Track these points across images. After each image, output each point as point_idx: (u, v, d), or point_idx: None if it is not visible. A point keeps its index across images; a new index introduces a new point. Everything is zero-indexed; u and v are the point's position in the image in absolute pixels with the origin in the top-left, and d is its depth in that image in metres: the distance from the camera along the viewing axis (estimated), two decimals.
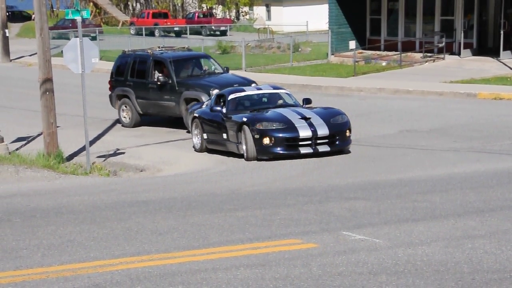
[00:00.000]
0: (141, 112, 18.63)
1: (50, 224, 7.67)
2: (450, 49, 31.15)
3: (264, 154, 13.46)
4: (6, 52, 36.09)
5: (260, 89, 15.37)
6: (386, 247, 6.74)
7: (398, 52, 30.38)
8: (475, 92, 22.14)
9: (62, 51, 14.60)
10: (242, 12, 63.25)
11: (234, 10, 64.20)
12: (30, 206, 8.83)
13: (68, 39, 37.54)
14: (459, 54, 30.40)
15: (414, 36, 32.97)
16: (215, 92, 16.63)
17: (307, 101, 15.07)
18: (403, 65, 29.15)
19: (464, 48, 30.40)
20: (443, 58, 30.28)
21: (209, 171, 13.14)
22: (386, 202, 8.96)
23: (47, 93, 13.70)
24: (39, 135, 14.89)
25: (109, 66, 33.29)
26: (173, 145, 15.09)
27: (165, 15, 56.00)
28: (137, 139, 16.18)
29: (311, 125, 13.55)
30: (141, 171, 12.80)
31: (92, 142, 14.50)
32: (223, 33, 52.41)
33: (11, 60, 36.09)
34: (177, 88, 17.75)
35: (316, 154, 13.48)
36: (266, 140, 13.37)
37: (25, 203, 9.11)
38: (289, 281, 5.72)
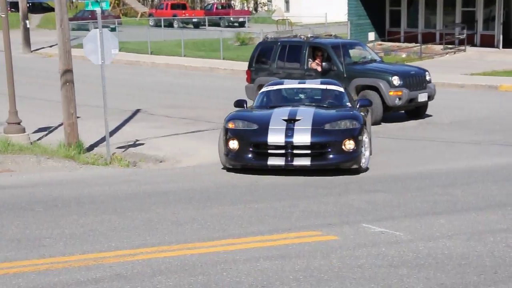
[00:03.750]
0: None
1: (72, 214, 7.73)
2: (471, 41, 30.88)
3: (230, 161, 10.72)
4: (27, 43, 36.31)
5: (303, 82, 12.78)
6: (406, 240, 6.71)
7: (418, 44, 30.19)
8: (496, 84, 21.94)
9: (82, 42, 14.67)
10: (261, 3, 63.11)
11: (253, 2, 64.10)
12: (52, 196, 8.90)
13: (88, 30, 37.76)
14: (480, 46, 30.15)
15: (434, 27, 32.72)
16: (395, 79, 15.94)
17: (361, 102, 11.99)
18: (423, 57, 28.96)
19: (486, 40, 30.15)
20: (464, 50, 30.04)
21: None
22: (406, 195, 8.93)
23: (67, 84, 13.77)
24: (59, 125, 14.97)
25: (129, 57, 33.63)
26: (192, 136, 15.12)
27: (183, 6, 56.05)
28: (156, 130, 16.22)
29: (289, 130, 10.46)
30: (161, 162, 12.84)
31: (112, 133, 14.57)
32: (241, 24, 52.36)
33: (31, 51, 36.31)
34: (345, 76, 16.41)
35: (292, 170, 10.43)
36: (232, 144, 10.59)
37: (47, 192, 9.18)
38: (309, 273, 5.73)
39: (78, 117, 13.81)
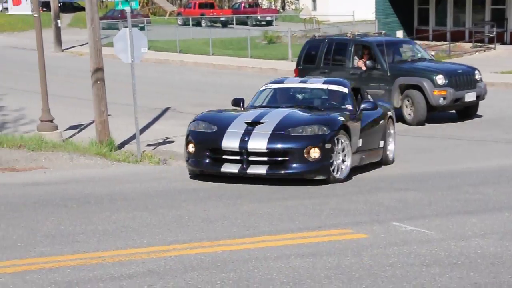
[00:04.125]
0: None
1: (104, 210, 7.83)
2: (501, 39, 30.54)
3: (188, 166, 10.05)
4: (58, 42, 36.73)
5: (304, 82, 11.70)
6: (438, 238, 6.69)
7: (447, 42, 29.94)
8: None
9: (112, 41, 14.81)
10: (288, 2, 63.04)
11: (280, 0, 64.05)
12: (84, 193, 9.02)
13: (117, 29, 38.01)
14: (510, 43, 29.81)
15: (463, 25, 32.42)
16: (439, 78, 15.52)
17: (364, 105, 10.90)
18: (452, 55, 28.72)
19: None
20: (494, 48, 29.72)
21: None
22: (437, 194, 8.88)
23: (98, 82, 13.92)
24: (91, 123, 15.15)
25: (158, 56, 33.84)
26: None
27: (211, 5, 56.21)
28: (185, 128, 16.35)
29: (246, 134, 9.55)
30: None
31: (141, 131, 14.69)
32: (269, 23, 52.36)
33: (63, 50, 36.72)
34: (388, 74, 16.22)
35: (248, 178, 9.55)
36: (190, 147, 9.94)
37: (80, 189, 9.30)
38: (340, 271, 5.74)
39: (109, 115, 13.96)
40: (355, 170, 10.47)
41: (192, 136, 9.93)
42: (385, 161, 11.68)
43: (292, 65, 22.80)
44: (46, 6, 47.71)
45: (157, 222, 7.39)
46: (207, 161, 9.76)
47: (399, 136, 13.41)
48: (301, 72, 17.87)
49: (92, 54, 14.22)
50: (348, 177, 10.12)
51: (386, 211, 7.98)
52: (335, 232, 7.06)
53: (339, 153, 9.81)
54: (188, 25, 46.28)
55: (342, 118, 10.04)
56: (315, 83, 11.52)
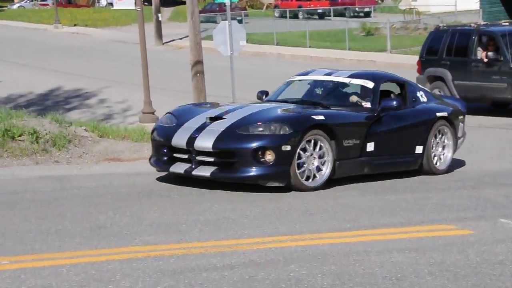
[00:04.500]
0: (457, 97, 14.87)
1: (205, 201, 7.95)
2: None
3: (149, 164, 9.18)
4: (159, 36, 37.66)
5: (329, 74, 10.21)
6: None
7: None
8: None
9: (211, 34, 15.02)
10: None
11: None
12: (185, 184, 9.19)
13: (215, 22, 38.59)
14: None
15: None
16: None
17: (384, 103, 9.49)
18: None
19: None
20: None
21: None
22: None
23: (198, 75, 14.16)
24: None
25: (256, 48, 34.06)
26: None
27: None
28: None
29: (197, 131, 8.50)
30: None
31: None
32: (367, 14, 51.67)
33: (163, 44, 37.64)
34: (511, 67, 15.36)
35: (196, 179, 8.59)
36: (151, 144, 9.28)
37: (182, 180, 9.48)
38: (444, 267, 5.58)
39: None
40: (454, 165, 10.08)
41: (154, 132, 9.08)
42: (427, 169, 9.85)
43: (391, 57, 22.40)
44: (148, 0, 49.00)
45: (257, 214, 7.43)
46: (164, 158, 8.79)
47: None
48: (423, 64, 17.21)
49: (192, 47, 14.47)
50: (449, 170, 9.79)
51: (492, 207, 7.71)
52: (438, 227, 6.88)
53: (315, 157, 8.48)
54: (285, 17, 46.32)
55: (320, 118, 8.49)
56: (340, 75, 10.08)
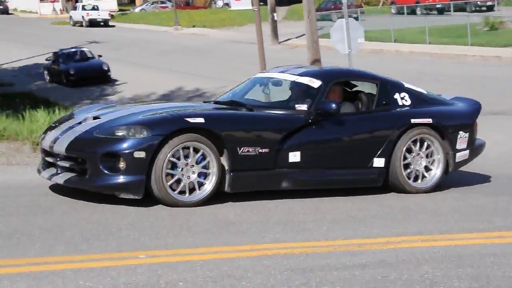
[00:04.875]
0: None
1: (332, 201, 7.87)
2: None
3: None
4: (275, 35, 37.98)
5: (284, 71, 8.63)
6: None
7: None
8: None
9: (327, 32, 14.93)
10: None
11: None
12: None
13: (331, 20, 38.39)
14: None
15: None
16: None
17: (320, 106, 7.81)
18: None
19: None
20: None
21: None
22: None
23: None
24: None
25: (373, 46, 33.56)
26: None
27: None
28: None
29: (64, 132, 7.38)
30: None
31: None
32: (490, 8, 49.61)
33: (279, 43, 37.91)
34: None
35: (62, 186, 7.34)
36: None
37: None
38: None
39: None
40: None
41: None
42: (398, 186, 8.17)
43: None
44: (263, 0, 49.56)
45: (384, 214, 7.29)
46: (42, 162, 7.72)
47: None
48: None
49: (310, 45, 14.49)
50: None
51: None
52: None
53: (193, 167, 7.09)
54: (402, 13, 45.39)
55: (197, 120, 7.07)
56: (291, 73, 8.47)
